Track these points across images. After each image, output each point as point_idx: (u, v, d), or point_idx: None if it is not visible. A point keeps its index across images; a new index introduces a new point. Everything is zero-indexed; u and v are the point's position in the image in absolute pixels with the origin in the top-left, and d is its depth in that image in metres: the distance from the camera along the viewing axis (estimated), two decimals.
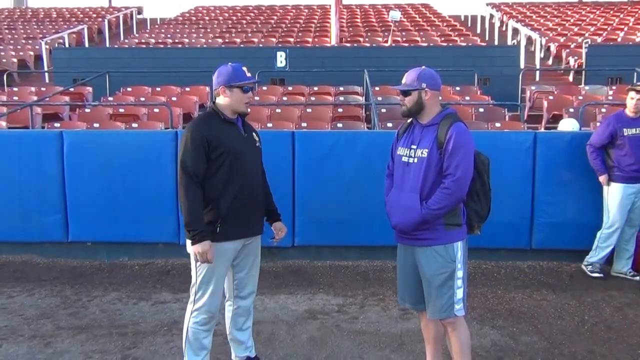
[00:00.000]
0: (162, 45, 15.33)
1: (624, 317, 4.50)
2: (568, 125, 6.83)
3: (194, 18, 20.68)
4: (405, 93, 3.16)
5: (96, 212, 5.83)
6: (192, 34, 17.31)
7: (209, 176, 3.11)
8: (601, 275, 5.31)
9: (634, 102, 5.18)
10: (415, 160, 3.10)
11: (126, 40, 16.97)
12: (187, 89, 11.02)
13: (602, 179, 5.27)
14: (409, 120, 3.26)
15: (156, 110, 9.32)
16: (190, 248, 3.17)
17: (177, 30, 18.12)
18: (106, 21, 18.69)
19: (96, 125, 8.35)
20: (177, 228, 5.79)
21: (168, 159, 5.75)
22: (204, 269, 3.18)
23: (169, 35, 17.03)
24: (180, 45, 15.28)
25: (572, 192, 5.58)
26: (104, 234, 5.88)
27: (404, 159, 3.16)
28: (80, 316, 4.50)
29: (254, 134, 3.37)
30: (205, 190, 3.11)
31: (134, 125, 8.45)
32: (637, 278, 5.22)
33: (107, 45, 17.37)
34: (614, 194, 5.21)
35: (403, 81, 3.19)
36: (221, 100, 3.21)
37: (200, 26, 18.85)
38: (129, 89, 11.03)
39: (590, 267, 5.37)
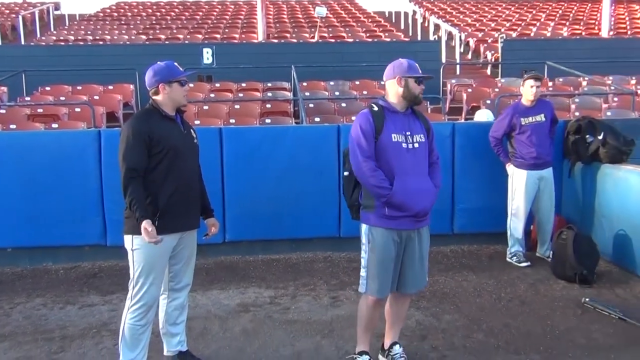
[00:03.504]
0: (82, 43, 14.76)
1: (536, 292, 4.86)
2: (483, 115, 7.22)
3: (115, 14, 20.01)
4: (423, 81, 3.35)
5: (16, 217, 5.60)
6: (114, 30, 16.77)
7: (149, 171, 3.16)
8: (529, 263, 5.49)
9: (534, 90, 5.42)
10: (417, 145, 3.26)
11: (43, 38, 16.20)
12: (110, 87, 10.72)
13: (508, 167, 5.59)
14: (375, 109, 3.30)
15: (77, 109, 9.03)
16: (129, 244, 3.20)
17: (98, 27, 17.49)
18: (20, 17, 17.73)
19: (13, 126, 8.00)
20: (103, 230, 5.67)
21: (91, 159, 5.62)
22: (141, 263, 3.19)
23: (89, 32, 16.42)
24: (101, 43, 14.79)
25: (488, 179, 5.91)
26: (24, 239, 5.65)
27: (404, 145, 3.23)
28: (2, 324, 4.32)
29: (192, 131, 3.47)
30: (144, 184, 3.15)
31: (54, 125, 8.15)
32: (549, 259, 5.44)
33: (23, 42, 16.53)
34: (518, 181, 5.50)
35: (420, 71, 3.35)
36: (160, 97, 3.28)
37: (123, 22, 18.28)
38: (48, 88, 10.60)
39: (515, 257, 5.59)
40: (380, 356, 3.61)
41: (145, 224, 3.03)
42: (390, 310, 3.54)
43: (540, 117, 5.46)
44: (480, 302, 4.65)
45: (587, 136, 5.75)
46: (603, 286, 4.93)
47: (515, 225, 5.57)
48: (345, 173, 3.45)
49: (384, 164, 3.22)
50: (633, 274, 5.11)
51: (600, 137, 5.60)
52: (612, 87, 10.86)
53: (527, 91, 5.48)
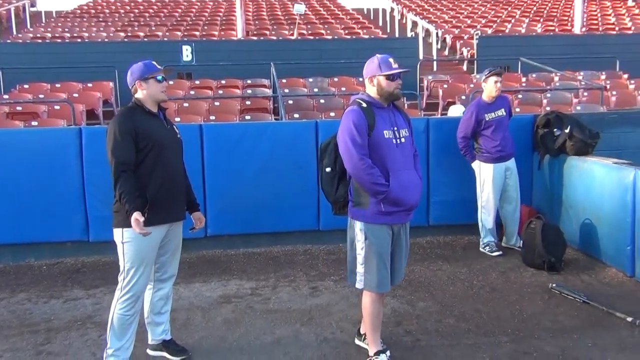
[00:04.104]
0: (60, 40, 14.68)
1: (507, 279, 5.07)
2: (457, 111, 7.43)
3: (93, 11, 19.87)
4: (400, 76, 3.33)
5: None
6: (92, 27, 16.67)
7: (136, 165, 3.26)
8: (501, 252, 5.69)
9: (498, 85, 5.56)
10: (403, 140, 3.31)
11: (20, 35, 16.05)
12: (90, 84, 10.72)
13: (475, 165, 5.76)
14: (364, 105, 3.28)
15: (57, 107, 9.05)
16: (119, 237, 3.30)
17: (76, 24, 17.37)
18: None
19: None
20: (85, 225, 5.75)
21: (73, 157, 5.69)
22: (131, 256, 3.30)
23: (66, 29, 16.31)
24: (79, 40, 14.72)
25: (462, 172, 6.09)
26: (7, 235, 5.70)
27: (394, 141, 3.27)
28: None
29: (174, 126, 3.60)
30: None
31: (34, 123, 8.16)
32: (520, 249, 5.67)
33: None
34: (486, 175, 5.67)
35: (396, 65, 3.31)
36: (140, 94, 3.40)
37: (101, 19, 18.18)
38: (26, 86, 10.57)
39: (488, 247, 5.78)
40: (357, 340, 3.79)
41: (136, 215, 3.13)
42: None
43: (501, 112, 5.64)
44: (453, 289, 4.85)
45: (555, 130, 5.98)
46: (570, 273, 5.17)
47: (486, 217, 5.77)
48: (327, 169, 3.45)
49: (377, 161, 3.21)
50: (598, 261, 5.36)
51: (567, 131, 5.84)
52: (583, 83, 11.18)
53: (491, 87, 5.59)
